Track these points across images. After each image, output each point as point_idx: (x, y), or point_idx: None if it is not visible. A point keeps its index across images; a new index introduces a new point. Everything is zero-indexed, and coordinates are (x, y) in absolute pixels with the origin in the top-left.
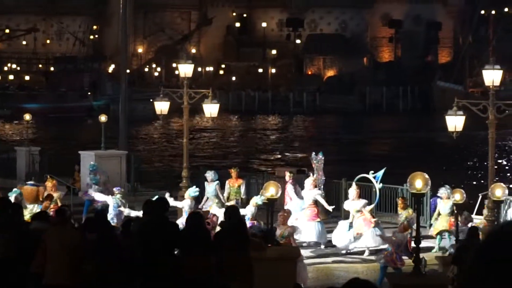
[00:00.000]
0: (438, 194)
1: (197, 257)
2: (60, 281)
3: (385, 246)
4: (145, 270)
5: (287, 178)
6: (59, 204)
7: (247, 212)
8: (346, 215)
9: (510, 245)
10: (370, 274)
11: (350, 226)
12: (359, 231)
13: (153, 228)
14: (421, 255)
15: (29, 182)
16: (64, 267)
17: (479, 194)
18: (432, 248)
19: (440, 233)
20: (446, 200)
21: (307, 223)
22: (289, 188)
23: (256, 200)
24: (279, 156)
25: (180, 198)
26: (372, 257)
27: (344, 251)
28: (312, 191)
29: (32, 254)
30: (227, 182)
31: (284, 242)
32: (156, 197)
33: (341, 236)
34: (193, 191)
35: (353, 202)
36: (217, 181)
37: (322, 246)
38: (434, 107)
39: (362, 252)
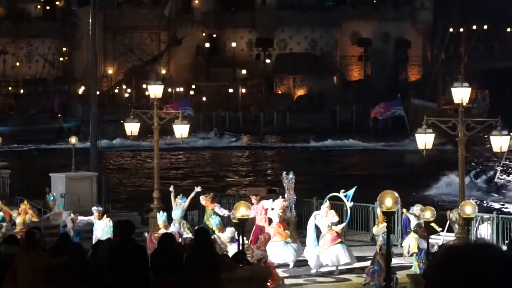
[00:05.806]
0: (410, 212)
1: (168, 280)
2: None
3: (347, 261)
4: None
5: (253, 200)
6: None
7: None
8: (318, 233)
9: (476, 264)
10: None
11: (317, 241)
12: (325, 246)
13: (121, 251)
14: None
15: None
16: None
17: (449, 212)
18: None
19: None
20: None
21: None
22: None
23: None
24: (250, 176)
25: (151, 219)
26: (343, 276)
27: (314, 270)
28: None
29: (1, 279)
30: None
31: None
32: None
33: (308, 252)
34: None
35: (324, 219)
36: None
37: (291, 265)
38: (409, 125)
39: (332, 272)
